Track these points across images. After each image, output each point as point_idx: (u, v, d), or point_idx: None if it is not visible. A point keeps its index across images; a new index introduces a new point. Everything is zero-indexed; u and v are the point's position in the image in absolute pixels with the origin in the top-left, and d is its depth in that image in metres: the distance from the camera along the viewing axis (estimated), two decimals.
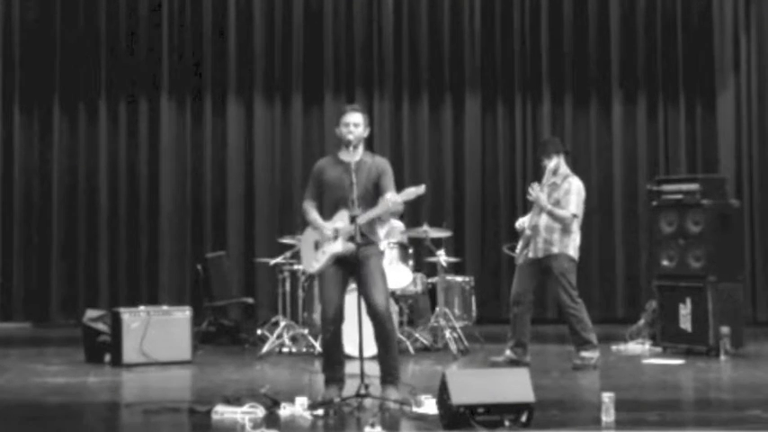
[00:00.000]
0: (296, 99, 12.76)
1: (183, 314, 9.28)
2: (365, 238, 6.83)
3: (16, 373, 8.57)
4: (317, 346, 9.21)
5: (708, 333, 9.41)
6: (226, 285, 11.19)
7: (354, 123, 6.96)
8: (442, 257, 10.12)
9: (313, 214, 7.03)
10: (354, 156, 6.91)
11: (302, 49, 12.78)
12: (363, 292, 6.84)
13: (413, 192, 6.84)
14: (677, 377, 8.51)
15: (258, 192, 12.64)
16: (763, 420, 6.40)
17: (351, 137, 6.92)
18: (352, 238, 6.74)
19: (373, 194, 6.92)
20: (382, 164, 7.02)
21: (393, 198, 6.76)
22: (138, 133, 12.64)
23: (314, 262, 6.97)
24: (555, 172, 8.85)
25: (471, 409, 6.01)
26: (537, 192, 8.72)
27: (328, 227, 6.89)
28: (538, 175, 9.20)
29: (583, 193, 8.82)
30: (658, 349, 9.78)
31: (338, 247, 6.85)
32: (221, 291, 11.01)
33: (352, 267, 6.87)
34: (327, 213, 6.98)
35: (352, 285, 7.25)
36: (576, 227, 8.76)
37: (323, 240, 6.93)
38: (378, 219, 7.00)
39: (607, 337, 10.05)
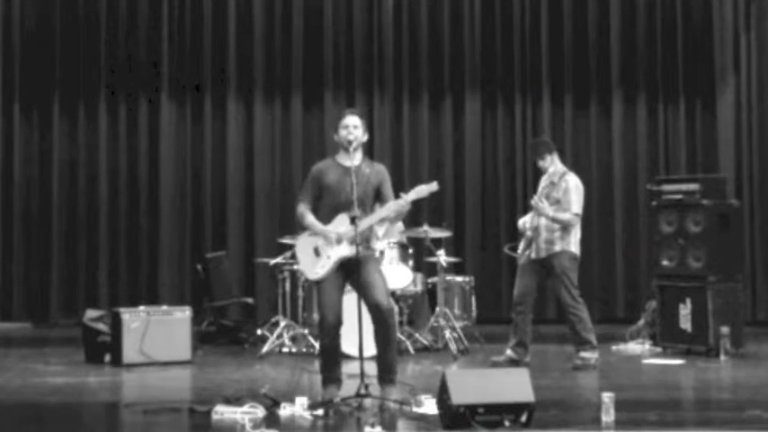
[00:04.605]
0: (296, 99, 12.76)
1: (183, 314, 9.28)
2: (364, 241, 6.84)
3: (16, 373, 8.57)
4: (317, 346, 9.20)
5: (708, 333, 9.41)
6: (226, 285, 11.19)
7: (354, 125, 6.97)
8: (442, 257, 10.12)
9: (310, 218, 6.98)
10: (354, 160, 6.91)
11: (302, 49, 12.78)
12: (364, 293, 6.83)
13: (424, 189, 6.86)
14: (677, 377, 8.51)
15: (258, 192, 12.64)
16: (763, 420, 6.40)
17: (351, 137, 6.91)
18: (354, 241, 6.73)
19: (372, 200, 6.94)
20: (382, 171, 7.04)
21: (400, 202, 6.78)
22: (138, 133, 12.64)
23: (318, 268, 6.90)
24: (552, 171, 8.86)
25: (471, 409, 6.01)
26: (538, 201, 8.72)
27: (331, 231, 6.86)
28: (537, 176, 9.21)
29: (582, 190, 8.82)
30: (658, 349, 9.78)
31: (345, 250, 6.82)
32: (221, 291, 11.01)
33: (350, 271, 6.87)
34: (325, 217, 6.94)
35: (349, 287, 7.25)
36: (577, 224, 8.76)
37: (324, 245, 6.90)
38: (379, 221, 7.02)
39: (607, 337, 10.05)
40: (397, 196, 6.93)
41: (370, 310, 6.81)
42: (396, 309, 9.33)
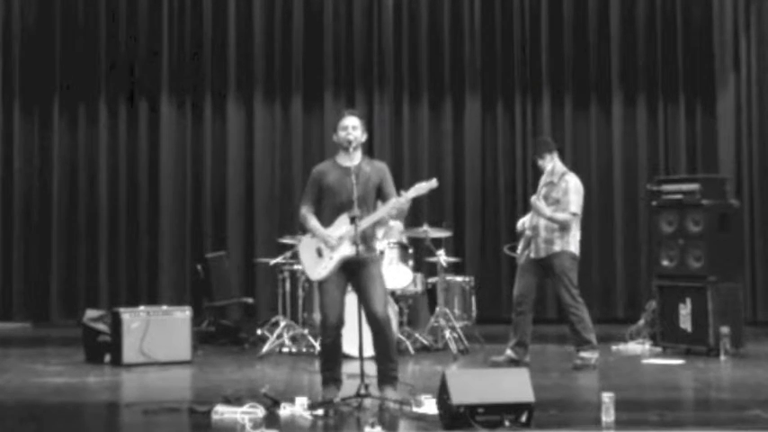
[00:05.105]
0: (296, 99, 12.77)
1: (183, 314, 9.28)
2: (366, 240, 6.85)
3: (16, 373, 8.57)
4: (317, 346, 9.20)
5: (708, 333, 9.41)
6: (226, 285, 11.19)
7: (353, 126, 6.98)
8: (442, 257, 10.12)
9: (313, 221, 6.99)
10: (354, 160, 6.92)
11: (302, 49, 12.78)
12: (362, 299, 6.86)
13: (424, 186, 6.87)
14: (677, 377, 8.51)
15: (258, 192, 12.65)
16: (763, 420, 6.40)
17: (351, 138, 6.93)
18: (355, 241, 6.74)
19: (374, 199, 6.96)
20: (382, 169, 7.05)
21: (400, 200, 6.80)
22: (138, 133, 12.64)
23: (320, 269, 6.91)
24: (551, 171, 8.87)
25: (471, 409, 6.01)
26: (536, 200, 8.72)
27: (333, 236, 6.86)
28: (537, 175, 9.21)
29: (581, 190, 8.82)
30: (658, 349, 9.78)
31: (347, 250, 6.83)
32: (221, 291, 11.01)
33: (352, 272, 6.88)
34: (327, 218, 6.95)
35: (350, 287, 7.25)
36: (575, 224, 8.76)
37: (326, 247, 6.90)
38: (379, 220, 7.02)
39: (607, 337, 10.05)
40: (397, 194, 6.94)
41: (368, 320, 6.84)
42: (396, 309, 9.42)
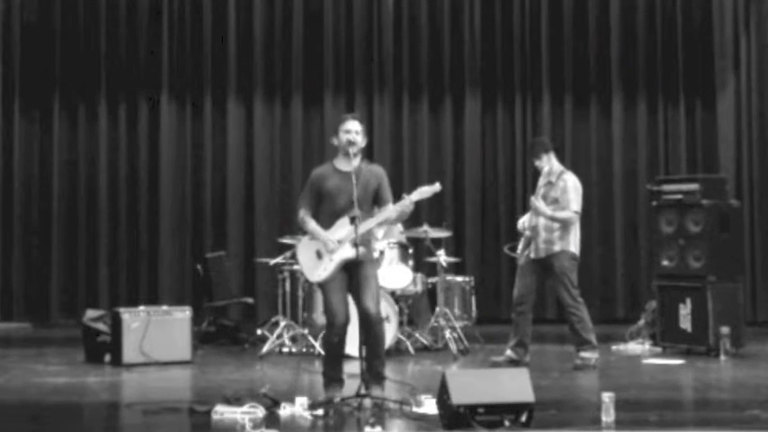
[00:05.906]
0: (296, 99, 12.76)
1: (183, 314, 9.28)
2: (365, 243, 6.86)
3: (16, 373, 8.57)
4: (317, 346, 9.21)
5: (708, 333, 9.42)
6: (226, 285, 11.19)
7: (356, 131, 7.00)
8: (442, 257, 10.12)
9: (312, 224, 7.00)
10: (353, 164, 6.93)
11: (302, 50, 12.78)
12: (355, 297, 6.90)
13: (428, 190, 6.89)
14: (677, 377, 8.51)
15: (258, 192, 12.65)
16: (762, 420, 6.40)
17: (352, 143, 6.93)
18: (355, 242, 6.75)
19: (370, 202, 6.97)
20: (379, 173, 7.06)
21: (404, 203, 6.82)
22: (138, 133, 12.64)
23: (320, 271, 6.92)
24: (549, 171, 8.86)
25: (471, 409, 6.01)
26: (536, 201, 8.72)
27: (332, 240, 6.87)
28: (537, 175, 9.22)
29: (580, 189, 8.82)
30: (658, 349, 9.78)
31: (347, 252, 6.83)
32: (221, 291, 11.01)
33: (349, 270, 6.89)
34: (326, 222, 6.96)
35: None
36: (576, 223, 8.76)
37: (326, 249, 6.91)
38: (381, 223, 7.04)
39: (607, 337, 10.05)
40: (399, 197, 6.95)
41: (359, 315, 6.87)
42: (396, 309, 9.42)
